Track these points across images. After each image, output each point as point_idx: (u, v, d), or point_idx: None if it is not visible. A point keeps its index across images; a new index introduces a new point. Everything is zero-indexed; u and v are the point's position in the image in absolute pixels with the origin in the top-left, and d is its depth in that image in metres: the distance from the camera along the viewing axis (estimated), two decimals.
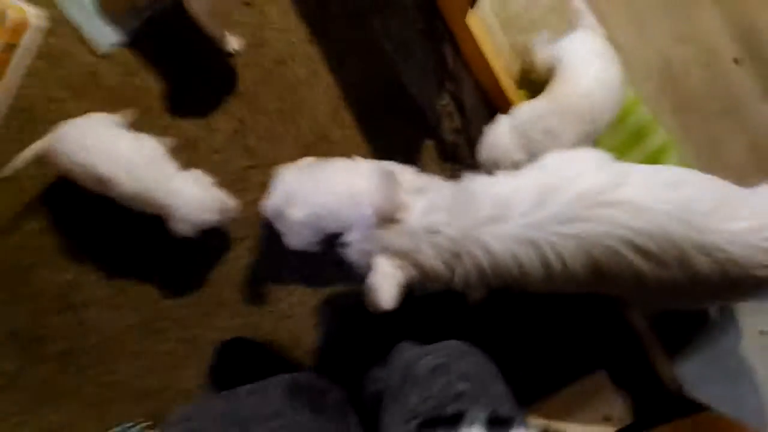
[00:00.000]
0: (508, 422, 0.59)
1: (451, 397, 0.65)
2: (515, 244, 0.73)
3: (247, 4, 1.12)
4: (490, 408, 0.62)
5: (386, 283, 0.77)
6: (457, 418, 0.62)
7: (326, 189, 0.95)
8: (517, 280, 0.76)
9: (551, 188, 0.72)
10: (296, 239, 1.01)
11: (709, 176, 0.77)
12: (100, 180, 0.98)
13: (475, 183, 0.79)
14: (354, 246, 0.84)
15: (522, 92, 1.13)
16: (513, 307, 1.13)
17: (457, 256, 0.76)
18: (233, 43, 1.10)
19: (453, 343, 0.83)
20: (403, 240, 0.78)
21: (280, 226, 1.00)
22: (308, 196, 0.95)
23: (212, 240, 1.13)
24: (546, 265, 0.72)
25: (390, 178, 0.80)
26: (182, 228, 1.00)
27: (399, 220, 0.79)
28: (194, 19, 1.02)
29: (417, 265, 0.78)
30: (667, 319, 1.11)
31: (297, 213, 0.95)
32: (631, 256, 0.70)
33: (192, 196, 1.00)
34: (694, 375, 1.14)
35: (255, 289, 1.15)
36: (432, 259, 0.77)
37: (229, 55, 1.12)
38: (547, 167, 0.77)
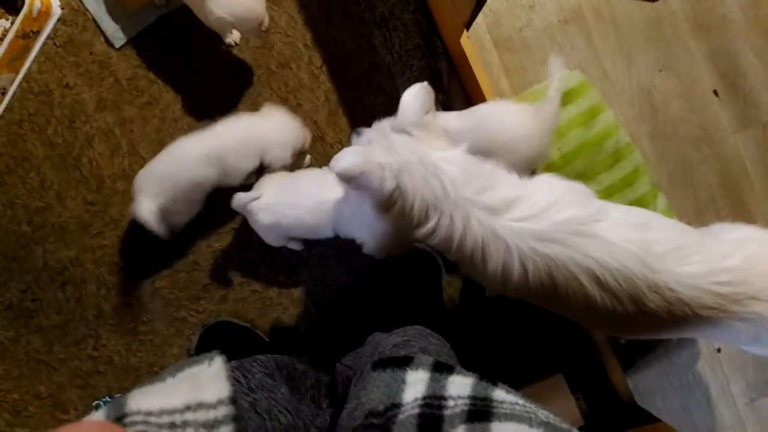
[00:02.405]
0: (450, 369, 0.64)
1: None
2: (492, 237, 0.77)
3: None
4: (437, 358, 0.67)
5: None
6: (408, 361, 0.68)
7: (294, 201, 1.02)
8: (474, 268, 0.80)
9: (545, 208, 0.77)
10: (266, 239, 1.10)
11: (673, 221, 0.83)
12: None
13: (499, 174, 0.81)
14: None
15: None
16: (475, 305, 1.19)
17: (437, 210, 0.77)
18: (235, 36, 1.15)
19: (418, 327, 0.89)
20: (409, 155, 0.78)
21: (251, 223, 1.07)
22: (276, 205, 1.02)
23: (204, 226, 1.20)
24: (507, 267, 0.77)
25: (429, 94, 0.82)
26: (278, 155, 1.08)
27: (417, 138, 0.80)
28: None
29: (403, 187, 0.77)
30: None
31: (263, 218, 1.03)
32: (588, 284, 0.75)
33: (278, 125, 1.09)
34: (649, 386, 1.20)
35: (243, 276, 1.21)
36: (417, 192, 0.77)
37: (229, 46, 1.17)
38: (550, 189, 0.80)
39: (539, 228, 0.75)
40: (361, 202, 0.96)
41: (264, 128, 1.07)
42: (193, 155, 1.05)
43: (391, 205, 0.79)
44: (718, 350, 1.23)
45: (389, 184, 0.77)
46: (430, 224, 0.78)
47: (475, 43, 1.22)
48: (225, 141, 1.05)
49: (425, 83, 0.83)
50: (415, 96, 0.81)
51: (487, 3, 1.18)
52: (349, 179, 0.79)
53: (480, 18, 1.23)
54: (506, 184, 0.79)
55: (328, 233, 1.03)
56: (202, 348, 1.16)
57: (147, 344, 1.20)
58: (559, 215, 0.76)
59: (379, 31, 1.22)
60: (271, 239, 1.09)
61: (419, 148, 0.79)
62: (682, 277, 0.74)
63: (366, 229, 1.00)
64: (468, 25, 1.10)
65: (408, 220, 0.79)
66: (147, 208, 1.04)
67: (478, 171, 0.79)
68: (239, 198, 1.02)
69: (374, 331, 0.99)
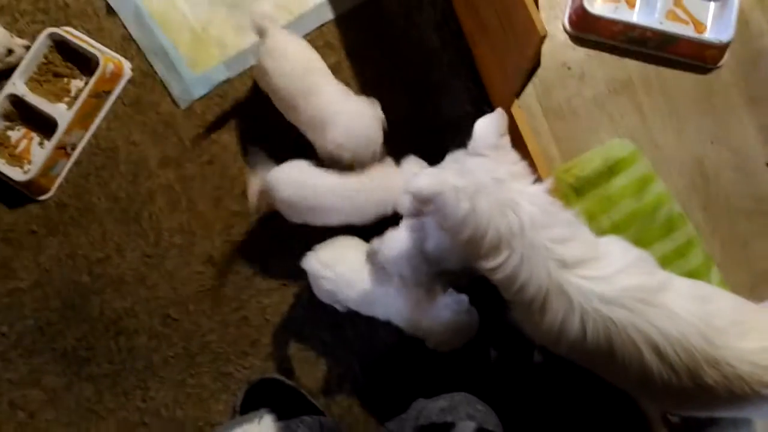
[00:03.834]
0: None
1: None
2: (557, 290, 0.76)
3: None
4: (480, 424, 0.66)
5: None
6: (451, 427, 0.67)
7: (350, 294, 1.06)
8: (529, 315, 0.79)
9: (615, 272, 0.77)
10: (319, 295, 1.11)
11: (733, 296, 0.84)
12: None
13: (577, 226, 0.81)
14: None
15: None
16: (523, 372, 1.18)
17: (509, 246, 0.76)
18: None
19: (464, 393, 0.89)
20: (485, 177, 0.77)
21: (311, 279, 1.09)
22: (333, 288, 1.06)
23: (256, 283, 1.22)
24: (565, 323, 0.77)
25: (503, 118, 0.82)
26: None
27: (492, 159, 0.79)
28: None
29: (478, 211, 0.76)
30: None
31: (325, 285, 1.06)
32: (647, 352, 0.74)
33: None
34: None
35: (290, 333, 1.22)
36: (491, 221, 0.75)
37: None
38: (622, 253, 0.81)
39: (607, 290, 0.75)
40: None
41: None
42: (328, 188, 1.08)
43: (463, 229, 0.77)
44: None
45: (464, 206, 0.76)
46: (499, 259, 0.76)
47: (525, 111, 1.24)
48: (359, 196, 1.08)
49: (499, 110, 0.83)
50: (489, 120, 0.81)
51: (536, 72, 1.21)
52: (423, 200, 0.79)
53: (530, 87, 1.26)
54: (582, 240, 0.79)
55: (380, 316, 1.07)
56: (247, 405, 1.17)
57: (194, 398, 1.21)
58: (628, 281, 0.76)
59: (431, 98, 1.26)
60: (324, 298, 1.11)
61: (495, 170, 0.78)
62: (742, 352, 0.74)
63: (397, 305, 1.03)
64: (518, 94, 1.13)
65: (476, 249, 0.78)
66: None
67: (559, 218, 0.79)
68: (310, 264, 1.06)
69: (420, 393, 0.99)
